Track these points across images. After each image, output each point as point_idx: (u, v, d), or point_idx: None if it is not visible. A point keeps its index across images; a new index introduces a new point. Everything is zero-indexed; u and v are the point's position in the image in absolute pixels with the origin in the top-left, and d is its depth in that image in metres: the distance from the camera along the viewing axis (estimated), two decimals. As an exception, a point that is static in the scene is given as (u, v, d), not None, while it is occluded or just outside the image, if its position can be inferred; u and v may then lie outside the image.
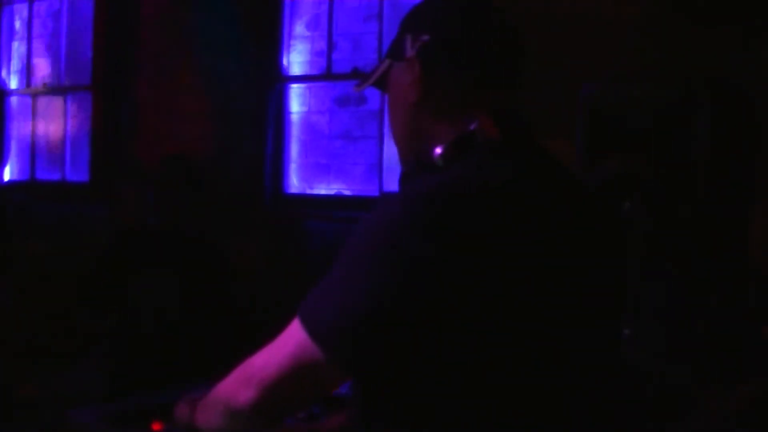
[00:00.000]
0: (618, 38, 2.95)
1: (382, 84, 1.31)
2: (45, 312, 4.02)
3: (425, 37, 1.20)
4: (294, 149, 4.12)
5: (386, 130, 3.64)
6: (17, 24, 5.28)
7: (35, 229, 4.52)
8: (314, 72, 4.07)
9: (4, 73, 5.27)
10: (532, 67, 1.31)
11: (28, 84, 5.17)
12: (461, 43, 1.19)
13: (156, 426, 1.82)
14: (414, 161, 1.23)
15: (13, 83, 5.26)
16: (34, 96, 5.14)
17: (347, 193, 3.95)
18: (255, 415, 1.12)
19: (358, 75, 3.81)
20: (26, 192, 5.01)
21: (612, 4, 2.98)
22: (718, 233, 2.37)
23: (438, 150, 1.17)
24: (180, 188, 2.82)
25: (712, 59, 2.72)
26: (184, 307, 2.78)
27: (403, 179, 1.26)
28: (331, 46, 3.99)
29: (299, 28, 4.11)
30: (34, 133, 5.12)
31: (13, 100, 5.24)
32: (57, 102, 5.04)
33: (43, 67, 5.15)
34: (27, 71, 5.19)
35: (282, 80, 4.10)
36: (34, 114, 5.13)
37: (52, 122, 5.06)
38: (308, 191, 4.07)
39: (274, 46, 4.08)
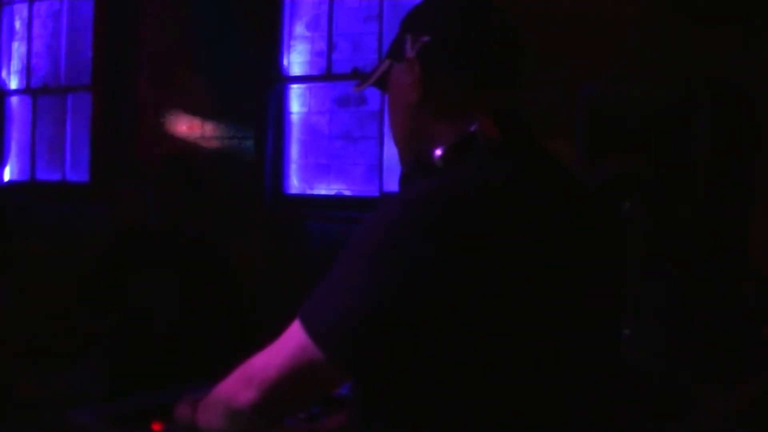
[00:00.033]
0: (618, 38, 2.95)
1: (382, 84, 1.31)
2: (45, 312, 4.02)
3: (425, 38, 1.20)
4: (294, 150, 4.12)
5: (386, 130, 3.64)
6: (17, 24, 5.28)
7: (35, 229, 4.52)
8: (314, 72, 4.07)
9: (4, 74, 5.27)
10: (532, 67, 1.31)
11: (28, 84, 5.18)
12: (461, 43, 1.19)
13: (156, 426, 1.82)
14: (414, 162, 1.23)
15: (13, 83, 5.26)
16: (34, 96, 5.14)
17: (347, 193, 3.95)
18: (255, 416, 1.12)
19: (358, 75, 3.81)
20: (26, 192, 5.01)
21: (612, 4, 2.98)
22: (718, 233, 2.37)
23: (438, 152, 1.17)
24: (180, 188, 2.82)
25: (712, 59, 2.72)
26: (184, 307, 2.78)
27: (403, 180, 1.26)
28: (331, 46, 3.99)
29: (299, 29, 4.11)
30: (34, 134, 5.12)
31: (13, 100, 5.24)
32: (57, 102, 5.05)
33: (43, 67, 5.15)
34: (27, 71, 5.19)
35: (282, 80, 4.10)
36: (34, 114, 5.13)
37: (52, 122, 5.06)
38: (308, 191, 4.07)
39: (274, 46, 4.08)
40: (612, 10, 2.98)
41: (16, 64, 5.27)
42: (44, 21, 5.16)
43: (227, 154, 4.07)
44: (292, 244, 3.88)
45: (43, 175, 5.11)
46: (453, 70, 1.20)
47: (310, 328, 1.06)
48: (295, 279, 3.63)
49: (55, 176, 5.04)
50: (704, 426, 2.14)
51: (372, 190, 3.83)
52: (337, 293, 1.07)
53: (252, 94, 4.03)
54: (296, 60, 4.11)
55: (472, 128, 1.16)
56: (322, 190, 4.03)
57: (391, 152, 1.25)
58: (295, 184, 4.11)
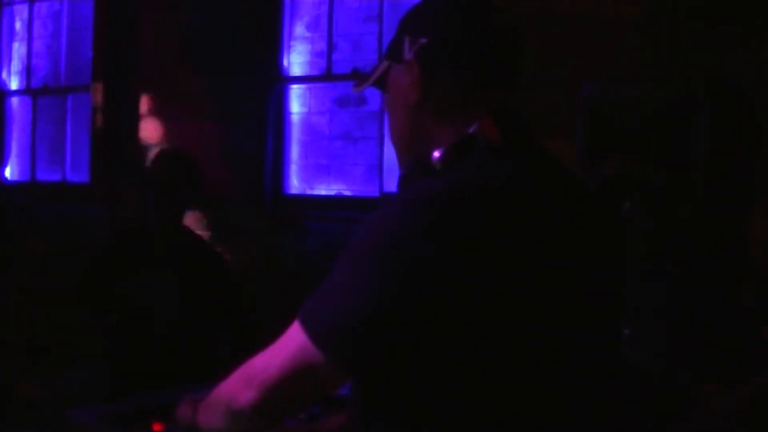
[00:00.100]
0: (618, 38, 2.95)
1: (381, 84, 1.31)
2: (45, 312, 4.02)
3: (423, 40, 1.20)
4: (294, 150, 4.12)
5: (386, 130, 3.64)
6: (17, 25, 5.28)
7: (35, 229, 4.52)
8: (314, 73, 4.07)
9: (4, 74, 5.28)
10: (532, 67, 1.30)
11: (29, 84, 5.18)
12: (461, 43, 1.19)
13: (156, 426, 1.82)
14: (413, 162, 1.23)
15: (14, 84, 5.26)
16: (35, 96, 5.14)
17: (347, 193, 3.95)
18: (256, 416, 1.12)
19: (358, 76, 3.81)
20: (26, 192, 5.01)
21: (612, 4, 2.98)
22: (718, 233, 2.37)
23: (437, 153, 1.16)
24: (180, 188, 2.82)
25: (712, 59, 2.72)
26: (184, 307, 2.78)
27: (403, 181, 1.26)
28: (331, 46, 3.99)
29: (299, 29, 4.12)
30: (34, 134, 5.12)
31: (14, 100, 5.24)
32: (57, 102, 5.05)
33: (43, 68, 5.15)
34: (27, 72, 5.19)
35: (282, 81, 4.10)
36: (34, 114, 5.13)
37: (52, 123, 5.06)
38: (308, 192, 4.07)
39: (274, 46, 4.08)
40: (612, 10, 2.98)
41: (16, 64, 5.27)
42: (44, 21, 5.16)
43: (227, 154, 4.07)
44: (292, 244, 3.88)
45: (43, 175, 5.12)
46: (453, 71, 1.20)
47: (310, 329, 1.07)
48: (295, 279, 3.63)
49: (56, 176, 5.04)
50: (704, 426, 2.14)
51: (372, 191, 3.83)
52: (337, 294, 1.07)
53: (252, 94, 4.03)
54: (296, 60, 4.11)
55: (472, 129, 1.16)
56: (322, 190, 4.03)
57: (391, 152, 1.25)
58: (295, 184, 4.11)
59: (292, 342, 1.09)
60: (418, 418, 1.09)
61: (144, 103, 4.38)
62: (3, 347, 3.53)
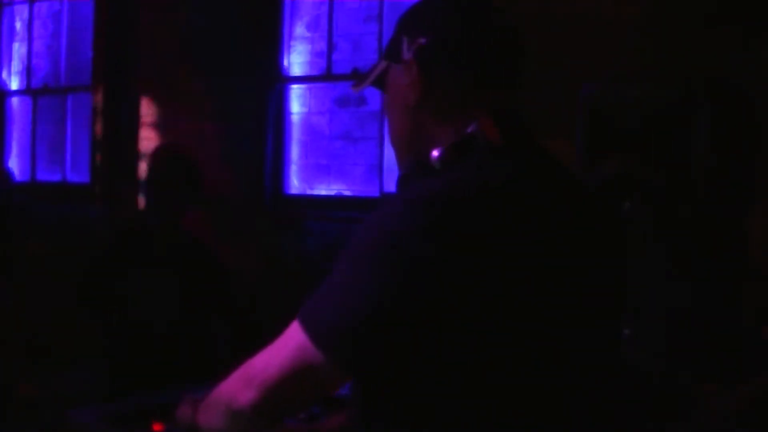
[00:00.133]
0: (618, 38, 2.95)
1: (380, 84, 1.31)
2: (45, 312, 4.02)
3: (422, 40, 1.20)
4: (294, 150, 4.12)
5: (386, 130, 3.64)
6: (18, 25, 5.29)
7: (35, 229, 4.52)
8: (314, 73, 4.08)
9: (4, 74, 5.28)
10: (532, 67, 1.30)
11: (29, 85, 5.18)
12: (461, 43, 1.19)
13: (156, 426, 1.82)
14: (413, 162, 1.23)
15: (14, 84, 5.26)
16: (35, 96, 5.14)
17: (347, 193, 3.95)
18: (256, 416, 1.12)
19: (358, 76, 3.81)
20: (27, 192, 5.01)
21: (612, 4, 2.98)
22: (718, 233, 2.37)
23: (435, 152, 1.16)
24: (180, 188, 2.82)
25: (712, 59, 2.72)
26: (184, 307, 2.78)
27: (402, 181, 1.26)
28: (331, 46, 3.99)
29: (299, 29, 4.12)
30: (34, 134, 5.12)
31: (14, 100, 5.24)
32: (57, 102, 5.05)
33: (43, 68, 5.15)
34: (27, 72, 5.19)
35: (282, 81, 4.10)
36: (34, 115, 5.14)
37: (53, 123, 5.06)
38: (308, 192, 4.07)
39: (274, 46, 4.08)
40: (612, 10, 2.98)
41: (16, 64, 5.28)
42: (44, 22, 5.16)
43: (227, 154, 4.07)
44: (292, 244, 3.88)
45: (43, 175, 5.12)
46: (453, 71, 1.19)
47: (310, 329, 1.07)
48: (295, 279, 3.63)
49: (56, 176, 5.04)
50: (704, 426, 2.14)
51: (372, 191, 3.83)
52: (337, 294, 1.07)
53: (252, 94, 4.03)
54: (296, 60, 4.11)
55: (470, 129, 1.16)
56: (322, 190, 4.03)
57: (391, 152, 1.24)
58: (295, 184, 4.11)
59: (292, 342, 1.09)
60: (418, 418, 1.09)
61: (144, 104, 4.38)
62: (3, 347, 3.53)
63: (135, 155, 4.33)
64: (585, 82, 2.57)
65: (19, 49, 5.26)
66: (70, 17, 5.02)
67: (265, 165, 4.04)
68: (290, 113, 4.12)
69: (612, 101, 2.49)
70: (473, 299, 1.03)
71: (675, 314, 2.26)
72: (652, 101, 2.42)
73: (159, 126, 4.31)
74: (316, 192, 4.04)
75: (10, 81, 5.26)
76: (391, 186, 3.71)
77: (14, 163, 5.24)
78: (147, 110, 4.37)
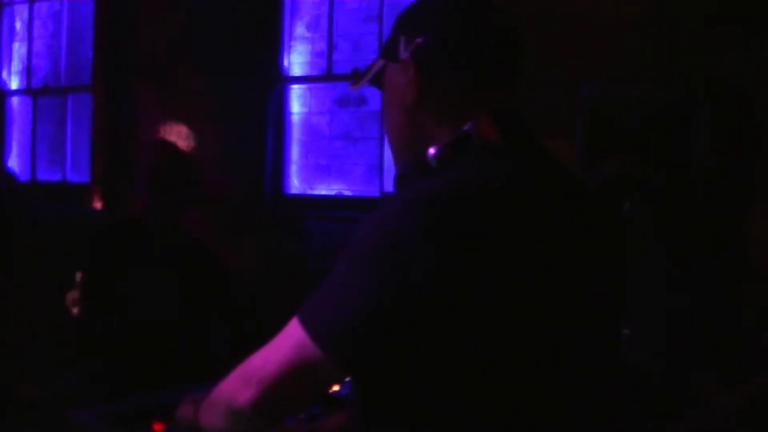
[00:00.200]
0: (618, 38, 2.95)
1: (378, 82, 1.31)
2: (45, 312, 4.01)
3: (419, 40, 1.20)
4: (294, 150, 4.12)
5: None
6: (18, 25, 5.29)
7: (36, 229, 4.52)
8: (314, 73, 4.08)
9: (4, 74, 5.28)
10: (532, 67, 1.31)
11: (29, 84, 5.18)
12: (460, 43, 1.19)
13: (157, 426, 1.82)
14: (411, 162, 1.23)
15: (14, 84, 5.26)
16: (35, 96, 5.14)
17: (347, 193, 3.95)
18: (256, 415, 1.12)
19: (357, 75, 3.81)
20: (27, 193, 5.01)
21: (612, 4, 2.98)
22: (718, 233, 2.37)
23: (432, 150, 1.16)
24: (179, 187, 2.82)
25: (712, 59, 2.72)
26: (184, 307, 2.78)
27: (400, 180, 1.26)
28: (331, 47, 3.99)
29: (299, 29, 4.12)
30: (34, 134, 5.12)
31: (14, 100, 5.24)
32: (57, 102, 5.05)
33: (43, 68, 5.15)
34: (27, 72, 5.19)
35: (282, 81, 4.10)
36: (34, 114, 5.14)
37: (53, 123, 5.06)
38: (308, 192, 4.07)
39: (274, 46, 4.08)
40: (612, 10, 2.98)
41: (16, 64, 5.27)
42: (44, 21, 5.16)
43: (227, 154, 4.07)
44: (292, 244, 3.88)
45: (43, 175, 5.12)
46: (453, 71, 1.19)
47: (310, 327, 1.07)
48: (295, 279, 3.63)
49: (56, 176, 5.04)
50: (704, 426, 2.14)
51: (372, 191, 3.83)
52: (337, 293, 1.07)
53: (252, 95, 4.03)
54: (296, 60, 4.11)
55: (466, 127, 1.16)
56: (322, 190, 4.03)
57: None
58: (295, 184, 4.11)
59: (291, 339, 1.09)
60: (418, 418, 1.09)
61: (144, 104, 4.38)
62: (3, 347, 3.53)
63: (135, 155, 4.33)
64: (585, 82, 2.57)
65: (19, 49, 5.26)
66: (70, 17, 5.02)
67: (265, 165, 4.04)
68: (290, 113, 4.12)
69: (612, 101, 2.49)
70: (473, 299, 1.03)
71: (675, 314, 2.26)
72: (652, 101, 2.42)
73: (159, 126, 4.31)
74: (316, 192, 4.04)
75: (10, 81, 5.26)
76: (391, 186, 3.70)
77: (14, 163, 5.24)
78: (147, 110, 4.37)
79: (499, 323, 1.05)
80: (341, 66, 3.97)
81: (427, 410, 1.08)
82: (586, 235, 1.18)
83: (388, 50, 1.26)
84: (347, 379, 1.14)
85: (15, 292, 3.90)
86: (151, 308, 2.73)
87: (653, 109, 2.40)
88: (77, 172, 4.91)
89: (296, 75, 4.11)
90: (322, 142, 4.06)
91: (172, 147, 3.10)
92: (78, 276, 2.88)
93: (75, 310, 2.86)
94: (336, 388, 1.88)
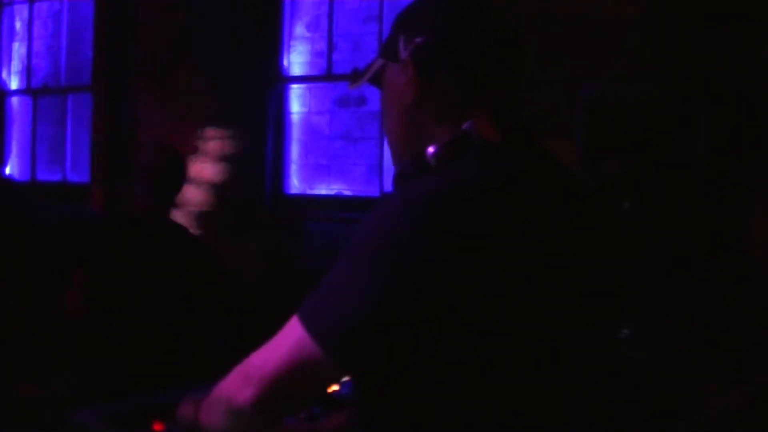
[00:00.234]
0: (618, 38, 2.95)
1: (377, 81, 1.31)
2: (45, 312, 4.01)
3: (418, 39, 1.20)
4: (294, 150, 4.12)
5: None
6: (18, 25, 5.29)
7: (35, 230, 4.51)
8: (314, 73, 4.08)
9: (4, 74, 5.28)
10: (532, 67, 1.30)
11: (29, 84, 5.18)
12: (460, 43, 1.19)
13: (157, 426, 1.82)
14: (411, 161, 1.23)
15: (14, 84, 5.26)
16: (35, 96, 5.14)
17: (347, 193, 3.95)
18: (256, 414, 1.12)
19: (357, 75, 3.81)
20: (27, 193, 5.00)
21: (612, 4, 2.98)
22: (718, 233, 2.37)
23: (431, 150, 1.16)
24: (174, 183, 2.82)
25: (712, 59, 2.72)
26: (184, 307, 2.78)
27: (399, 179, 1.26)
28: (331, 47, 3.99)
29: (299, 29, 4.12)
30: (34, 134, 5.12)
31: (14, 100, 5.24)
32: (57, 102, 5.05)
33: (43, 68, 5.15)
34: (27, 72, 5.19)
35: (282, 81, 4.10)
36: (34, 114, 5.13)
37: (53, 123, 5.06)
38: (308, 192, 4.07)
39: (274, 46, 4.08)
40: (612, 10, 2.98)
41: (16, 64, 5.27)
42: (44, 21, 5.16)
43: (227, 154, 4.07)
44: (292, 244, 3.88)
45: (43, 175, 5.12)
46: (452, 70, 1.19)
47: (310, 327, 1.07)
48: (295, 279, 3.63)
49: (56, 176, 5.04)
50: (704, 426, 2.14)
51: (372, 190, 3.84)
52: (337, 292, 1.07)
53: (252, 94, 4.03)
54: (296, 60, 4.11)
55: (465, 126, 1.16)
56: (322, 190, 4.03)
57: (391, 152, 1.26)
58: (295, 184, 4.11)
59: (291, 338, 1.09)
60: (418, 418, 1.09)
61: (144, 104, 4.38)
62: (3, 347, 3.53)
63: (135, 155, 4.33)
64: (585, 82, 2.57)
65: (19, 49, 5.26)
66: (70, 17, 5.02)
67: (265, 165, 4.04)
68: (290, 113, 4.12)
69: (612, 101, 2.49)
70: (473, 299, 1.03)
71: (675, 314, 2.26)
72: (652, 101, 2.42)
73: (159, 126, 4.31)
74: (316, 192, 4.04)
75: (10, 81, 5.26)
76: (390, 186, 3.70)
77: (14, 163, 5.24)
78: (147, 110, 4.37)
79: (499, 323, 1.05)
80: (341, 66, 3.97)
81: (427, 410, 1.08)
82: (586, 235, 1.18)
83: (387, 50, 1.26)
84: (346, 378, 1.14)
85: (15, 292, 3.90)
86: (151, 308, 2.73)
87: (653, 109, 2.40)
88: (77, 172, 4.91)
89: (296, 75, 4.11)
90: (322, 142, 4.06)
91: (172, 147, 3.10)
92: (78, 276, 2.88)
93: (75, 310, 2.86)
94: (336, 387, 1.88)
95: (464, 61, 1.19)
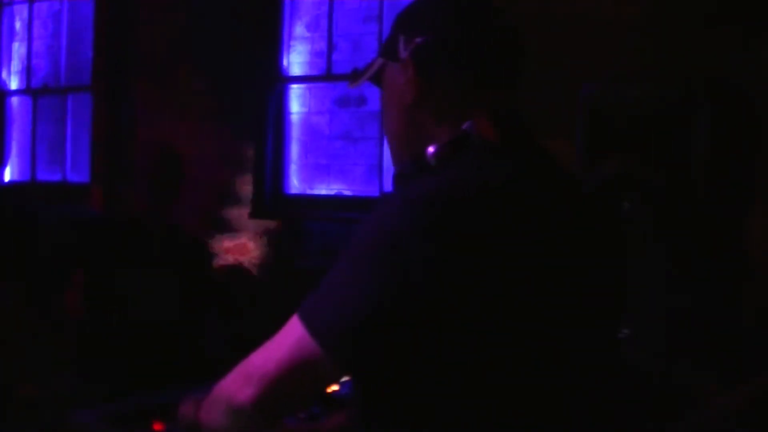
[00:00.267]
0: (618, 38, 2.95)
1: (377, 80, 1.31)
2: (45, 312, 4.01)
3: (418, 39, 1.20)
4: (294, 150, 4.12)
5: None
6: (18, 25, 5.28)
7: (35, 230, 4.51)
8: (314, 73, 4.07)
9: (4, 74, 5.27)
10: (532, 67, 1.30)
11: (29, 84, 5.18)
12: (460, 43, 1.19)
13: (157, 426, 1.82)
14: (411, 161, 1.23)
15: (14, 84, 5.26)
16: (35, 96, 5.14)
17: (347, 193, 3.95)
18: (256, 413, 1.12)
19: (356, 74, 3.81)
20: (27, 193, 5.01)
21: (612, 4, 2.98)
22: (718, 233, 2.37)
23: (431, 149, 1.16)
24: (178, 188, 2.82)
25: (712, 59, 2.72)
26: (184, 307, 2.78)
27: (399, 179, 1.26)
28: (331, 46, 3.99)
29: (299, 29, 4.12)
30: (34, 134, 5.12)
31: (14, 100, 5.24)
32: (57, 102, 5.05)
33: (43, 68, 5.15)
34: (27, 72, 5.19)
35: (282, 81, 4.10)
36: (34, 114, 5.13)
37: (53, 123, 5.06)
38: (308, 192, 4.07)
39: (274, 46, 4.08)
40: (612, 10, 2.98)
41: (16, 64, 5.27)
42: (44, 21, 5.16)
43: (227, 154, 4.07)
44: (292, 244, 3.88)
45: (43, 175, 5.12)
46: (452, 70, 1.19)
47: (310, 326, 1.07)
48: (295, 279, 3.63)
49: (56, 176, 5.04)
50: (704, 426, 2.14)
51: (372, 191, 3.83)
52: (337, 292, 1.07)
53: (252, 94, 4.03)
54: (296, 60, 4.11)
55: (465, 126, 1.16)
56: (322, 190, 4.03)
57: (391, 152, 1.26)
58: (295, 184, 4.11)
59: (291, 337, 1.09)
60: (418, 418, 1.09)
61: (144, 104, 4.38)
62: (3, 347, 3.53)
63: (135, 155, 4.33)
64: (585, 82, 2.58)
65: (19, 49, 5.26)
66: (70, 17, 5.02)
67: (265, 165, 4.04)
68: (290, 113, 4.12)
69: (612, 101, 2.49)
70: (473, 299, 1.03)
71: (675, 314, 2.26)
72: (652, 101, 2.43)
73: (159, 126, 4.31)
74: (316, 192, 4.04)
75: (10, 81, 5.26)
76: (390, 186, 3.70)
77: (14, 163, 5.23)
78: (147, 110, 4.37)
79: (499, 323, 1.05)
80: (341, 66, 3.97)
81: (427, 410, 1.08)
82: (586, 236, 1.18)
83: (387, 49, 1.26)
84: (346, 378, 1.14)
85: (15, 292, 3.90)
86: (151, 308, 2.74)
87: (653, 109, 2.40)
88: (77, 172, 4.91)
89: (296, 75, 4.11)
90: (321, 142, 4.06)
91: (172, 147, 3.10)
92: (78, 276, 2.88)
93: (75, 310, 2.86)
94: (336, 387, 1.88)
95: (464, 61, 1.19)
